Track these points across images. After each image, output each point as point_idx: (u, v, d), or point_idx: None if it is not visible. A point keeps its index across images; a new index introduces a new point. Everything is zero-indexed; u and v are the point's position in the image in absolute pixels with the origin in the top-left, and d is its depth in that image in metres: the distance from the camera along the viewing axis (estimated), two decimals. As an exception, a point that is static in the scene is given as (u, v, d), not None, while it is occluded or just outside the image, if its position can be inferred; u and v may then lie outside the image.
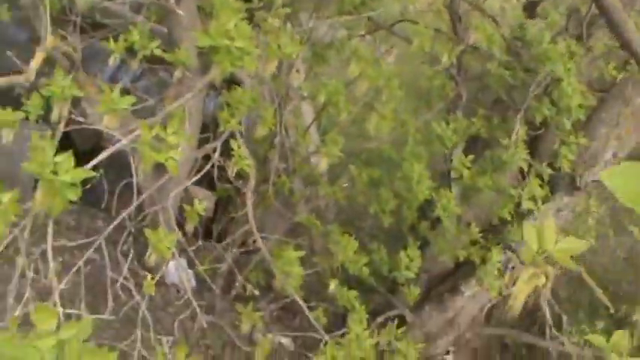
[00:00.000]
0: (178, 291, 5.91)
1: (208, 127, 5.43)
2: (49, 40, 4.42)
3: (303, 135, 5.18)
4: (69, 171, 2.78)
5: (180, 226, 4.63)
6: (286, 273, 4.11)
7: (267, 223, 5.98)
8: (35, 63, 4.14)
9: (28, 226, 3.42)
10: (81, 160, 2.86)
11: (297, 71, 4.96)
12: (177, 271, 5.61)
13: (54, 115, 3.49)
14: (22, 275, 3.58)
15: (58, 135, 3.65)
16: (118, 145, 3.39)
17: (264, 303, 5.87)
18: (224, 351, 6.11)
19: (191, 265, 5.58)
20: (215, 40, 3.08)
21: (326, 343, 3.99)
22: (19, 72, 4.08)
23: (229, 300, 6.30)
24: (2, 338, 2.02)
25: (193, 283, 5.76)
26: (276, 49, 3.58)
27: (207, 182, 6.32)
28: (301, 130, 5.30)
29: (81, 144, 7.18)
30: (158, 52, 3.97)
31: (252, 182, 4.23)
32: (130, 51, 4.05)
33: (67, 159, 2.81)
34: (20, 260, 3.62)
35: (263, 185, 5.15)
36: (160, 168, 4.96)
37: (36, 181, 2.84)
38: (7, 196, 2.74)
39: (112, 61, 4.05)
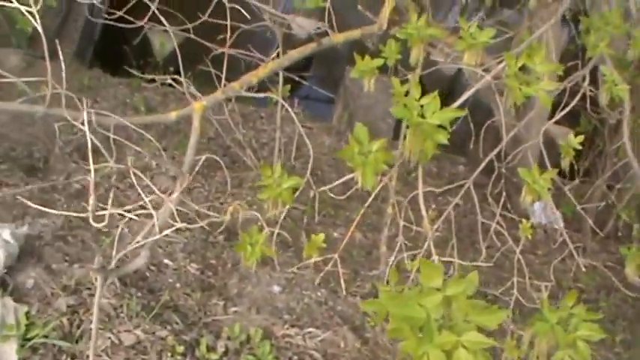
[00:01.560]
0: (545, 231, 5.60)
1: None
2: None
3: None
4: (435, 112, 2.62)
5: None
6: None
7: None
8: (386, 11, 4.09)
9: (395, 174, 3.38)
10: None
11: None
12: (543, 211, 5.29)
13: (412, 58, 3.37)
14: (393, 223, 3.57)
15: (416, 78, 3.56)
16: (482, 82, 3.18)
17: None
18: (598, 294, 5.66)
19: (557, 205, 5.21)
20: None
21: None
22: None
23: (600, 240, 5.83)
24: (388, 295, 1.92)
25: (561, 223, 5.39)
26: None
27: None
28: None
29: (431, 90, 7.16)
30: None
31: (627, 110, 3.72)
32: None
33: (433, 100, 2.66)
34: (390, 208, 3.62)
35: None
36: (522, 105, 4.67)
37: (395, 132, 2.75)
38: (376, 145, 2.66)
39: None
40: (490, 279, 4.78)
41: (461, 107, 2.85)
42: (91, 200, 2.10)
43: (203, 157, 3.22)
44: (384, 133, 6.11)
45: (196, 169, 5.14)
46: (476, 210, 3.93)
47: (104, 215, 2.28)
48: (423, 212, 3.05)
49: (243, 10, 3.86)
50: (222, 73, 3.85)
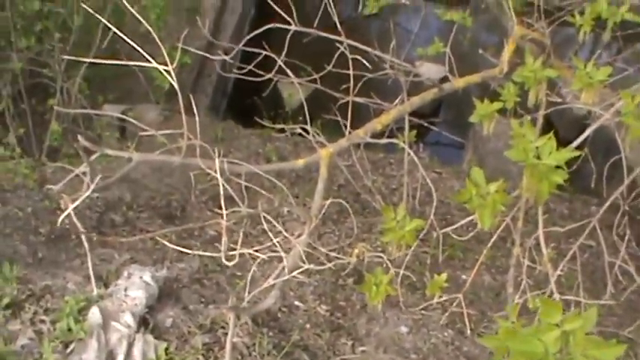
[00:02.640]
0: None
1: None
2: (516, 30, 4.54)
3: None
4: (552, 153, 2.76)
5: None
6: None
7: None
8: (506, 55, 4.27)
9: (521, 215, 3.51)
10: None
11: None
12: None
13: (530, 100, 3.53)
14: (518, 264, 3.68)
15: (539, 121, 3.70)
16: (601, 121, 3.29)
17: None
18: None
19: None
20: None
21: None
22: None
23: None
24: (507, 331, 2.07)
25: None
26: None
27: None
28: None
29: (564, 132, 7.18)
30: (629, 16, 3.73)
31: None
32: (600, 23, 3.90)
33: (548, 142, 2.80)
34: (515, 249, 3.74)
35: None
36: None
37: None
38: (493, 186, 2.84)
39: (581, 35, 3.95)
40: (624, 321, 4.75)
41: (585, 147, 2.98)
42: (224, 239, 2.40)
43: (328, 202, 3.47)
44: (515, 177, 6.19)
45: (326, 214, 5.47)
46: (608, 251, 3.98)
47: (236, 255, 2.58)
48: (544, 251, 3.17)
49: (363, 60, 4.14)
50: (349, 121, 4.12)
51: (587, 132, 3.25)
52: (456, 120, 8.86)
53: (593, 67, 3.36)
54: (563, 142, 2.85)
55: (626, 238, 3.72)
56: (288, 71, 4.30)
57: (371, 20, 9.26)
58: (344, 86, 4.47)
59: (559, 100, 3.71)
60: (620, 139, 3.33)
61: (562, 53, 5.14)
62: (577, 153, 2.82)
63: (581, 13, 4.19)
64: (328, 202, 3.47)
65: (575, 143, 3.15)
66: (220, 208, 2.97)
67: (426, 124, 6.39)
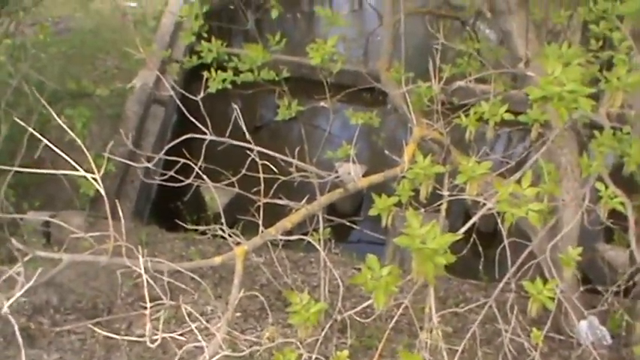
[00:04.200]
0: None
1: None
2: (416, 131, 5.22)
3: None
4: (435, 238, 3.32)
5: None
6: None
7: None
8: (407, 154, 4.91)
9: (431, 300, 4.03)
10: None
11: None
12: (589, 329, 5.77)
13: (422, 194, 4.13)
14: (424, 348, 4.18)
15: (441, 217, 4.30)
16: (483, 210, 3.89)
17: None
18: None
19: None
20: (545, 89, 3.44)
21: None
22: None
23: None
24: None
25: (609, 340, 5.86)
26: (616, 83, 3.81)
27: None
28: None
29: (484, 226, 7.84)
30: (507, 116, 4.44)
31: (631, 222, 4.38)
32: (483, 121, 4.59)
33: (432, 229, 3.36)
34: (423, 334, 4.25)
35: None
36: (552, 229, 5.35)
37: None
38: (386, 270, 3.37)
39: (468, 135, 4.63)
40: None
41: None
42: (148, 325, 2.85)
43: (241, 293, 3.93)
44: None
45: (248, 312, 5.91)
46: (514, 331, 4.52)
47: (159, 338, 3.02)
48: (439, 331, 3.70)
49: (272, 166, 4.70)
50: (270, 221, 4.59)
51: (473, 220, 3.83)
52: (377, 217, 9.47)
53: (475, 162, 4.00)
54: (483, 234, 3.41)
55: (514, 313, 4.27)
56: (205, 177, 4.79)
57: (291, 123, 9.94)
58: (256, 189, 4.95)
59: (447, 192, 4.32)
60: (500, 225, 3.93)
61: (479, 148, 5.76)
62: (457, 237, 3.39)
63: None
64: (241, 293, 3.93)
65: (462, 230, 3.74)
66: (146, 308, 3.39)
67: (347, 224, 6.94)
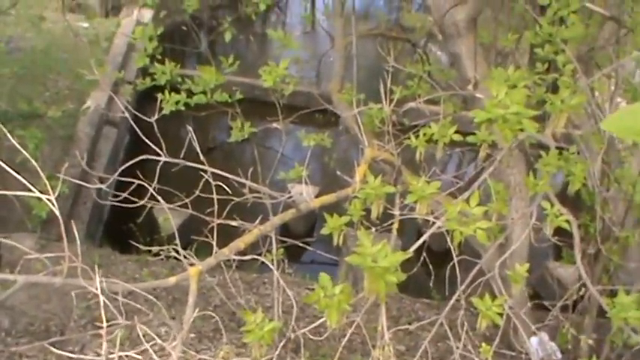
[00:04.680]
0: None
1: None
2: (367, 152, 5.33)
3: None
4: (386, 257, 3.41)
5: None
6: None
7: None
8: (359, 175, 5.01)
9: (382, 318, 4.12)
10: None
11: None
12: (539, 345, 5.93)
13: (372, 213, 4.24)
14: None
15: (392, 237, 4.40)
16: (433, 229, 4.00)
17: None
18: None
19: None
20: (490, 112, 3.57)
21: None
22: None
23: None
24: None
25: (558, 355, 6.02)
26: (560, 105, 3.97)
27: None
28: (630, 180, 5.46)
29: (436, 244, 7.99)
30: (456, 137, 4.58)
31: (576, 239, 4.53)
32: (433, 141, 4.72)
33: (383, 248, 3.46)
34: (376, 352, 4.33)
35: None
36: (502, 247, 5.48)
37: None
38: (338, 288, 3.45)
39: (418, 155, 4.76)
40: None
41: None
42: (104, 344, 2.89)
43: (196, 312, 3.98)
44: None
45: (202, 332, 5.93)
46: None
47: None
48: (386, 347, 3.79)
49: (226, 187, 4.76)
50: (224, 242, 4.63)
51: (423, 238, 3.94)
52: (330, 238, 9.57)
53: (425, 182, 4.11)
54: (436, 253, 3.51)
55: (465, 329, 4.38)
56: (160, 198, 4.82)
57: (244, 145, 10.00)
58: (209, 210, 4.99)
59: (398, 212, 4.43)
60: (449, 241, 4.04)
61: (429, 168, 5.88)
62: (407, 256, 3.49)
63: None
64: (196, 313, 3.97)
65: (413, 248, 3.84)
66: (99, 329, 3.40)
67: (300, 244, 7.02)
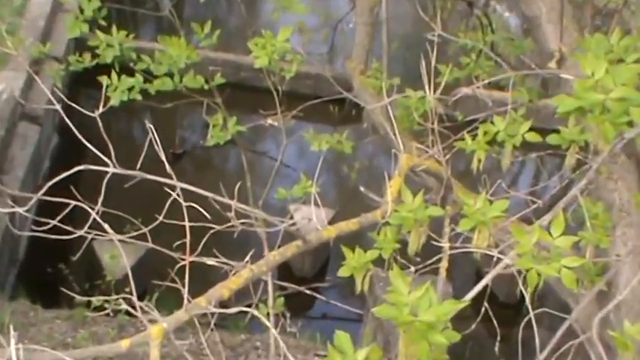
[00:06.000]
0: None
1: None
2: (404, 160, 5.31)
3: None
4: (432, 307, 3.43)
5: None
6: None
7: None
8: (391, 192, 5.05)
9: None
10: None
11: None
12: None
13: (411, 247, 4.30)
14: None
15: (439, 279, 4.44)
16: (498, 268, 4.04)
17: None
18: None
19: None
20: (582, 98, 3.59)
21: None
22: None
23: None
24: None
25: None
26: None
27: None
28: None
29: (503, 293, 8.00)
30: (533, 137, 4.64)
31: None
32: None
33: (426, 295, 3.47)
34: None
35: None
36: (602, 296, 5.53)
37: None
38: (362, 354, 3.50)
39: (475, 163, 4.82)
40: None
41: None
42: None
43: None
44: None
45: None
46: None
47: None
48: None
49: (203, 211, 4.76)
50: (199, 289, 4.61)
51: (484, 282, 3.98)
52: (350, 283, 9.56)
53: (486, 201, 4.16)
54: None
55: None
56: (106, 226, 4.77)
57: (227, 149, 10.03)
58: (178, 243, 4.87)
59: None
60: (522, 287, 4.08)
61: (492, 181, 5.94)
62: (462, 305, 3.53)
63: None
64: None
65: (470, 295, 3.87)
66: None
67: (307, 292, 7.03)
